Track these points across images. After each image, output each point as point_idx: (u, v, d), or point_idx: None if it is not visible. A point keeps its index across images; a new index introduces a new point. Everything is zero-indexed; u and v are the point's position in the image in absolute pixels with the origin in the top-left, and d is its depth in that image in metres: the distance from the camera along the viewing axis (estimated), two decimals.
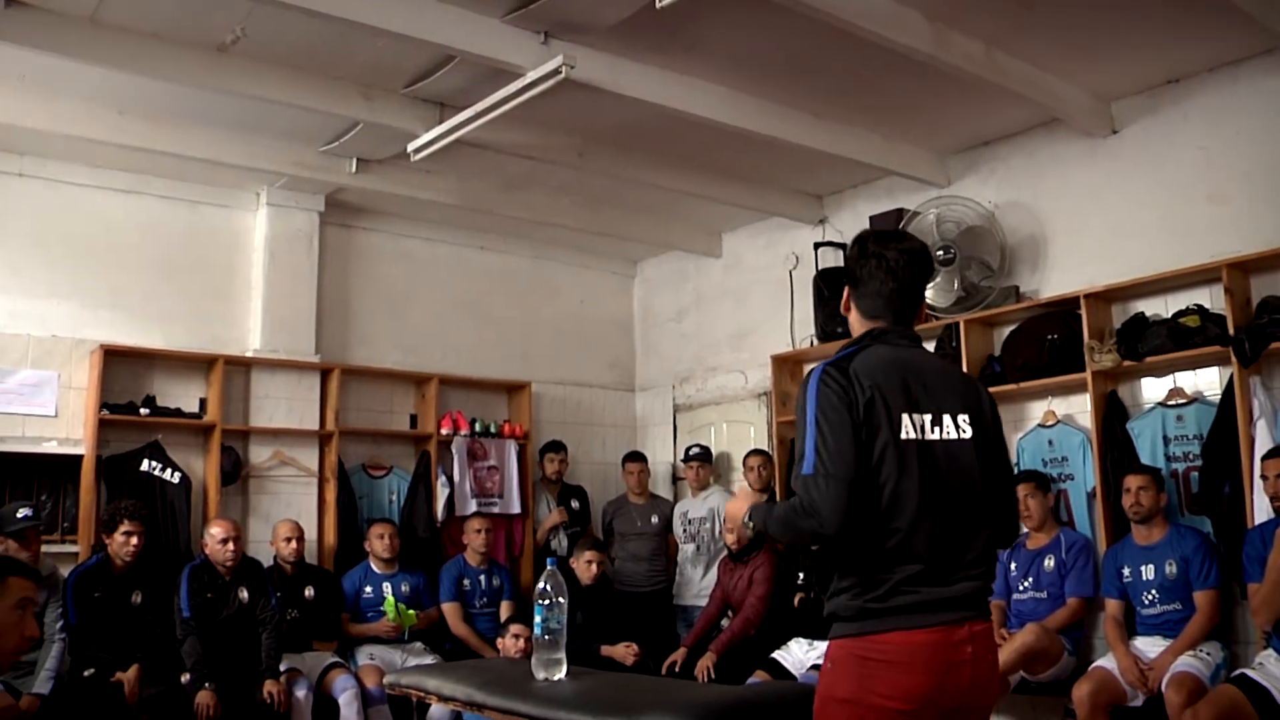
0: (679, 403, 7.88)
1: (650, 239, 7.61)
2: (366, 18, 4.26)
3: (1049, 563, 5.12)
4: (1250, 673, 4.05)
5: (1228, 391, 4.80)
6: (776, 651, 5.38)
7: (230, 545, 5.38)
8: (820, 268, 6.56)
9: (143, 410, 5.91)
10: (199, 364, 6.22)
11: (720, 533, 6.46)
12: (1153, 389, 5.27)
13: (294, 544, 5.83)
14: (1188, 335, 4.92)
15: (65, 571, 5.12)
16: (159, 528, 5.71)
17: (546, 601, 3.51)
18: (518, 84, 4.72)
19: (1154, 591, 4.70)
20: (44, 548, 5.11)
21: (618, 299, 8.35)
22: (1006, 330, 5.76)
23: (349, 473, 6.61)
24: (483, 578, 6.35)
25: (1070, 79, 5.25)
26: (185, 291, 6.33)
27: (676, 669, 5.81)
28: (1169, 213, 5.26)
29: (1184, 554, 4.66)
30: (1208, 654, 4.49)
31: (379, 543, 6.09)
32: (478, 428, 7.08)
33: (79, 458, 5.68)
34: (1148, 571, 4.73)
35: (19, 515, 4.78)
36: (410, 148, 5.54)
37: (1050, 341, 5.40)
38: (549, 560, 3.71)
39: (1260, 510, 4.51)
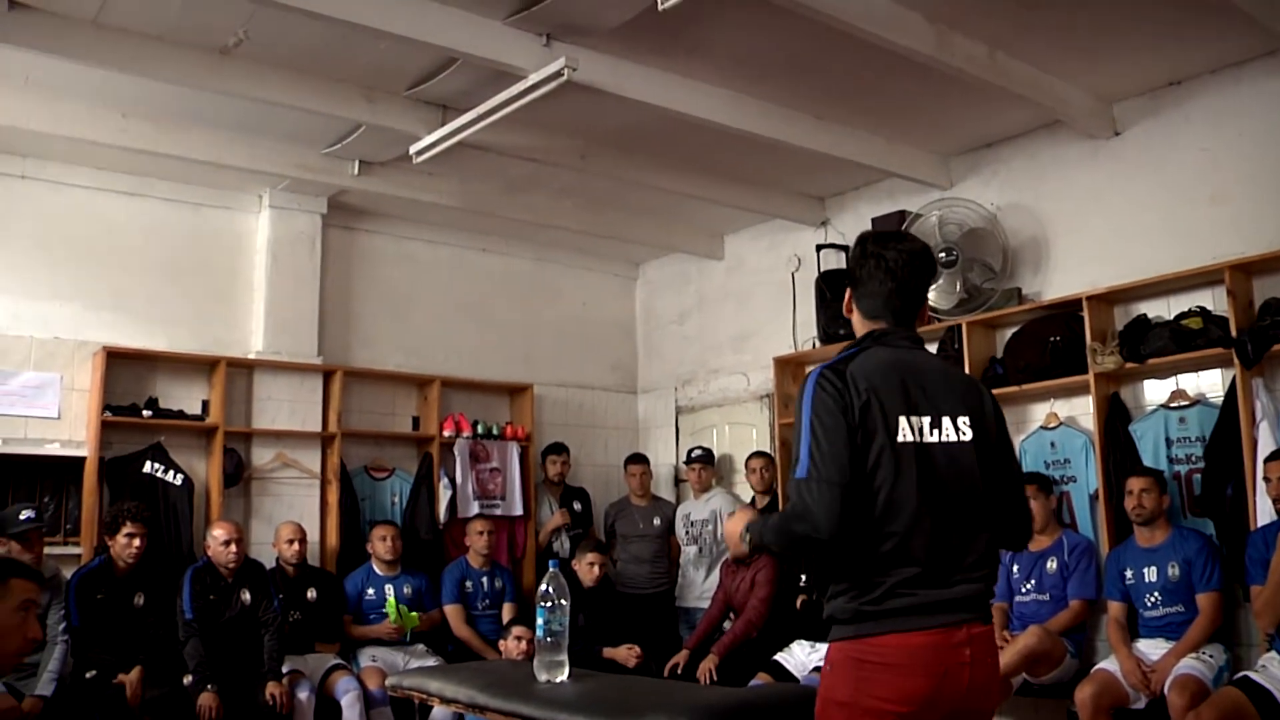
0: (681, 405, 7.88)
1: (652, 241, 7.62)
2: (369, 20, 4.26)
3: (1051, 565, 5.11)
4: (1253, 675, 4.05)
5: (1230, 393, 4.80)
6: (779, 654, 5.38)
7: (232, 547, 5.38)
8: (822, 270, 6.56)
9: (145, 412, 5.91)
10: (201, 366, 6.22)
11: (722, 535, 6.46)
12: (1155, 391, 5.27)
13: (296, 546, 5.83)
14: (1190, 337, 4.92)
15: (68, 573, 5.13)
16: (161, 530, 5.71)
17: (549, 604, 3.51)
18: (520, 86, 4.72)
19: (1156, 594, 4.70)
20: (47, 549, 5.12)
21: (620, 301, 8.35)
22: (1009, 332, 5.76)
23: (351, 475, 6.62)
24: (485, 580, 6.35)
25: (1072, 81, 5.25)
26: (188, 293, 6.33)
27: (679, 671, 5.81)
28: (1171, 214, 5.25)
29: (1186, 556, 4.66)
30: (1210, 656, 4.48)
31: (381, 545, 6.09)
32: (480, 430, 7.08)
33: (81, 460, 5.69)
34: (1150, 574, 4.73)
35: (22, 517, 4.79)
36: (412, 150, 5.54)
37: (1052, 343, 5.40)
38: (551, 562, 3.70)
39: (1263, 512, 4.50)
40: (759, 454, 6.68)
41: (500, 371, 7.47)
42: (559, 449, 7.24)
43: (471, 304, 7.51)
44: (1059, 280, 5.68)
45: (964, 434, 2.35)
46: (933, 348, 5.73)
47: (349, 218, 6.94)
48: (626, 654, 5.76)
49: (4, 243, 5.80)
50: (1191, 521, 4.95)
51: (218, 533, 5.44)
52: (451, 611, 6.16)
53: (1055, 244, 5.74)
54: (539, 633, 3.52)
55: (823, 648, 2.36)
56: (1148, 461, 5.03)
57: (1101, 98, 5.45)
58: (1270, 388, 4.73)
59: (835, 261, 6.51)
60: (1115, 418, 5.21)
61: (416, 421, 7.05)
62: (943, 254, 5.68)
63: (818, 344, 6.58)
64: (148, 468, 5.85)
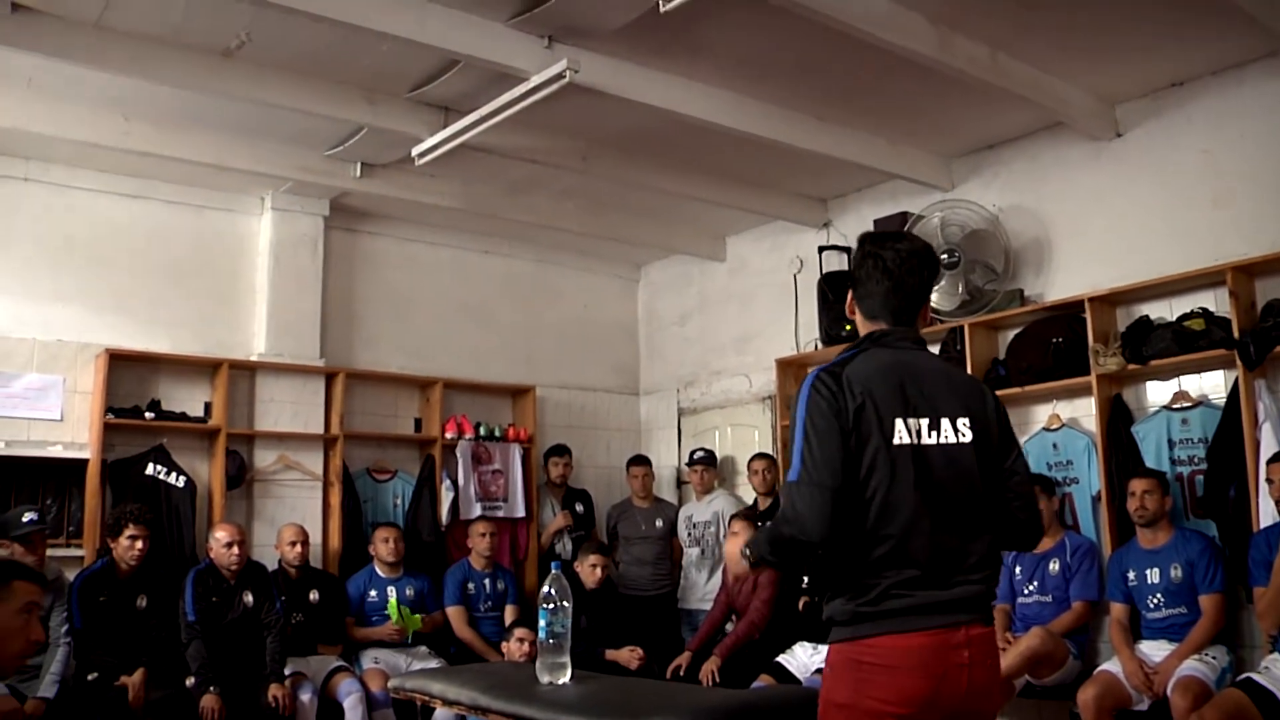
0: (683, 406, 7.88)
1: (654, 242, 7.62)
2: (371, 22, 4.27)
3: (1054, 566, 5.11)
4: (1256, 676, 4.04)
5: (1233, 395, 4.79)
6: (781, 655, 5.37)
7: (235, 549, 5.39)
8: (824, 271, 6.56)
9: (148, 414, 5.92)
10: (204, 368, 6.23)
11: (725, 537, 6.45)
12: (1157, 392, 5.26)
13: (299, 548, 5.83)
14: (1192, 338, 4.92)
15: (70, 575, 5.13)
16: (164, 532, 5.72)
17: (551, 605, 3.50)
18: (522, 88, 4.73)
19: (1159, 595, 4.70)
20: (49, 552, 5.13)
21: (622, 303, 8.35)
22: (1011, 334, 5.76)
23: (354, 476, 6.62)
24: (487, 582, 6.35)
25: (1074, 82, 5.25)
26: (190, 296, 6.34)
27: (681, 673, 5.81)
28: (1173, 216, 5.25)
29: (1189, 557, 4.66)
30: (1213, 658, 4.48)
31: (383, 546, 6.10)
32: (482, 431, 7.08)
33: (84, 462, 5.69)
34: (1153, 575, 4.73)
35: (24, 519, 4.80)
36: (415, 152, 5.54)
37: (1055, 345, 5.40)
38: (553, 564, 3.70)
39: (1265, 514, 4.50)
40: (761, 455, 6.68)
41: (502, 373, 7.48)
42: (561, 451, 7.24)
43: (473, 306, 7.51)
44: (1061, 281, 5.68)
45: (964, 435, 2.34)
46: (935, 349, 5.73)
47: (351, 220, 6.94)
48: (629, 656, 5.76)
49: (7, 245, 5.80)
50: (1194, 523, 4.95)
51: (220, 535, 5.45)
52: (454, 613, 6.17)
53: (1057, 245, 5.74)
54: (541, 635, 3.52)
55: (825, 649, 2.36)
56: (1150, 463, 5.03)
57: (1103, 99, 5.45)
58: (1273, 389, 4.73)
59: (837, 263, 6.51)
60: (1118, 419, 5.21)
61: (419, 423, 7.05)
62: (945, 255, 5.67)
63: (820, 345, 6.58)
64: (150, 470, 5.86)
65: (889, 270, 2.43)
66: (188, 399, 6.17)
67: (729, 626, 6.01)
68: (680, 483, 7.75)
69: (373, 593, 6.05)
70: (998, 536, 2.38)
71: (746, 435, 7.33)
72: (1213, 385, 5.07)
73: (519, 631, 5.63)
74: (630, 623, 6.12)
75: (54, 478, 5.67)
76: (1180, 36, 4.79)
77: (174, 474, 5.91)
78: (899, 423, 2.28)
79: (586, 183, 6.47)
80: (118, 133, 5.46)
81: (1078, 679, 4.79)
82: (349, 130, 5.71)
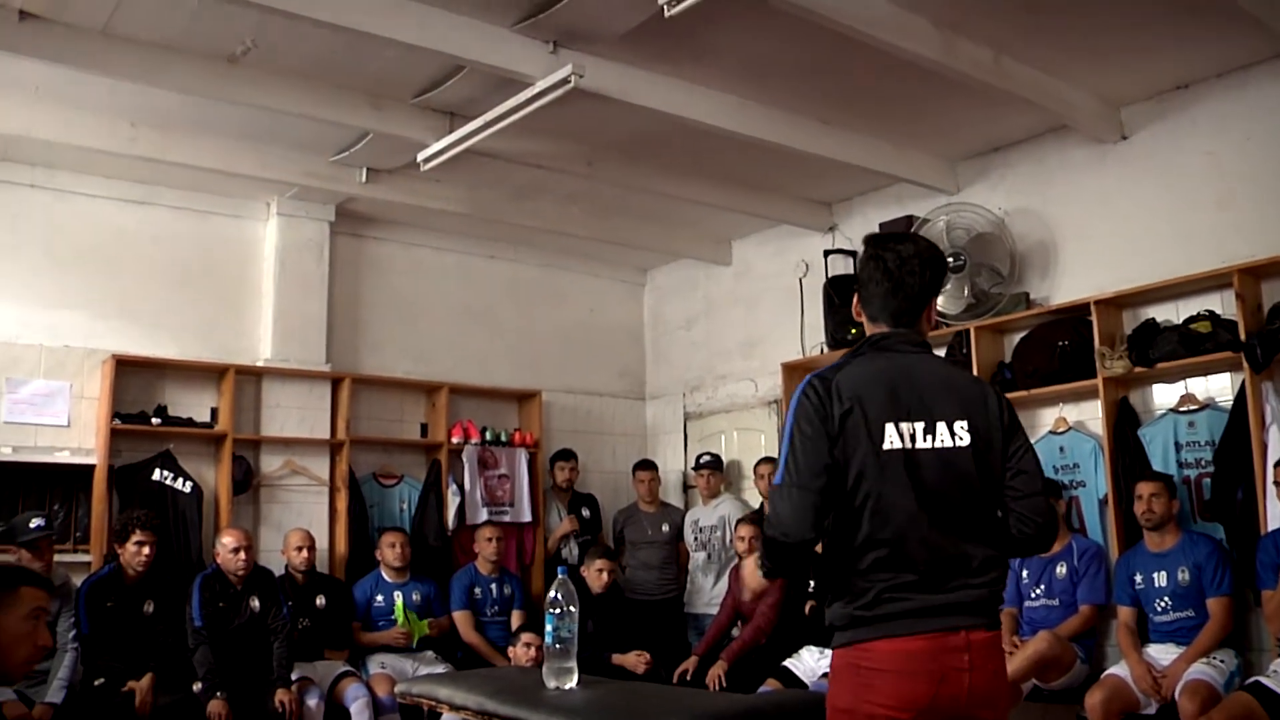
0: (689, 411, 7.88)
1: (660, 247, 7.62)
2: (376, 28, 4.28)
3: (1061, 570, 5.10)
4: (1265, 680, 4.03)
5: (1240, 397, 4.78)
6: (788, 659, 5.36)
7: (242, 554, 5.39)
8: (830, 275, 6.55)
9: (154, 420, 5.93)
10: (210, 374, 6.24)
11: (731, 541, 6.45)
12: (1164, 395, 5.25)
13: (305, 553, 5.83)
14: (1199, 341, 4.91)
15: (78, 581, 5.14)
16: (171, 537, 5.72)
17: (557, 610, 3.50)
18: (527, 93, 4.74)
19: (1167, 598, 4.68)
20: (56, 557, 5.13)
21: (628, 307, 8.35)
22: (1017, 337, 5.75)
23: (360, 482, 6.62)
24: (494, 586, 6.35)
25: (1079, 85, 5.25)
26: (196, 301, 6.35)
27: (688, 677, 5.80)
28: (1179, 218, 5.24)
29: (1197, 561, 4.64)
30: (1221, 661, 4.46)
31: (390, 551, 6.10)
32: (488, 436, 7.09)
33: (91, 467, 5.70)
34: (1160, 578, 4.71)
35: (32, 525, 4.80)
36: (420, 157, 5.55)
37: (1061, 348, 5.39)
38: (560, 569, 3.70)
39: (1274, 516, 4.48)
40: (767, 460, 6.66)
41: (508, 378, 7.48)
42: (567, 455, 7.24)
43: (479, 310, 7.52)
44: (1067, 284, 5.67)
45: (961, 439, 2.32)
46: (941, 353, 5.72)
47: (357, 225, 6.95)
48: (635, 660, 5.76)
49: (14, 251, 5.82)
50: (1201, 526, 4.94)
51: (227, 540, 5.46)
52: (460, 618, 6.17)
53: (1063, 248, 5.74)
54: (548, 639, 3.52)
55: (831, 654, 2.36)
56: (1157, 466, 5.02)
57: (1108, 101, 5.45)
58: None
59: (843, 267, 6.51)
60: (1124, 422, 5.20)
61: (425, 428, 7.06)
62: (950, 259, 5.66)
63: (826, 349, 6.58)
64: (157, 475, 5.87)
65: (889, 272, 2.42)
66: (194, 404, 6.18)
67: (735, 631, 6.01)
68: (686, 487, 7.74)
69: (379, 598, 6.06)
70: (1002, 540, 2.36)
71: (752, 439, 7.33)
72: (1219, 388, 5.06)
73: (525, 636, 5.63)
74: (637, 627, 6.11)
75: (61, 483, 5.68)
76: (1184, 39, 4.78)
77: (181, 479, 5.92)
78: (889, 427, 2.28)
79: (592, 187, 6.48)
80: (124, 139, 5.47)
81: (1085, 683, 4.78)
82: (354, 136, 5.73)
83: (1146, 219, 5.37)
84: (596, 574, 5.96)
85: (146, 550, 5.16)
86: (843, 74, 5.05)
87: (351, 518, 6.43)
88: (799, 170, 6.20)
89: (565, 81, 4.53)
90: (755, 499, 6.85)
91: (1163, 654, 4.64)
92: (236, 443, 6.13)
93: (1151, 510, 4.72)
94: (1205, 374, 5.09)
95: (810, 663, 5.28)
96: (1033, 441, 5.54)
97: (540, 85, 4.64)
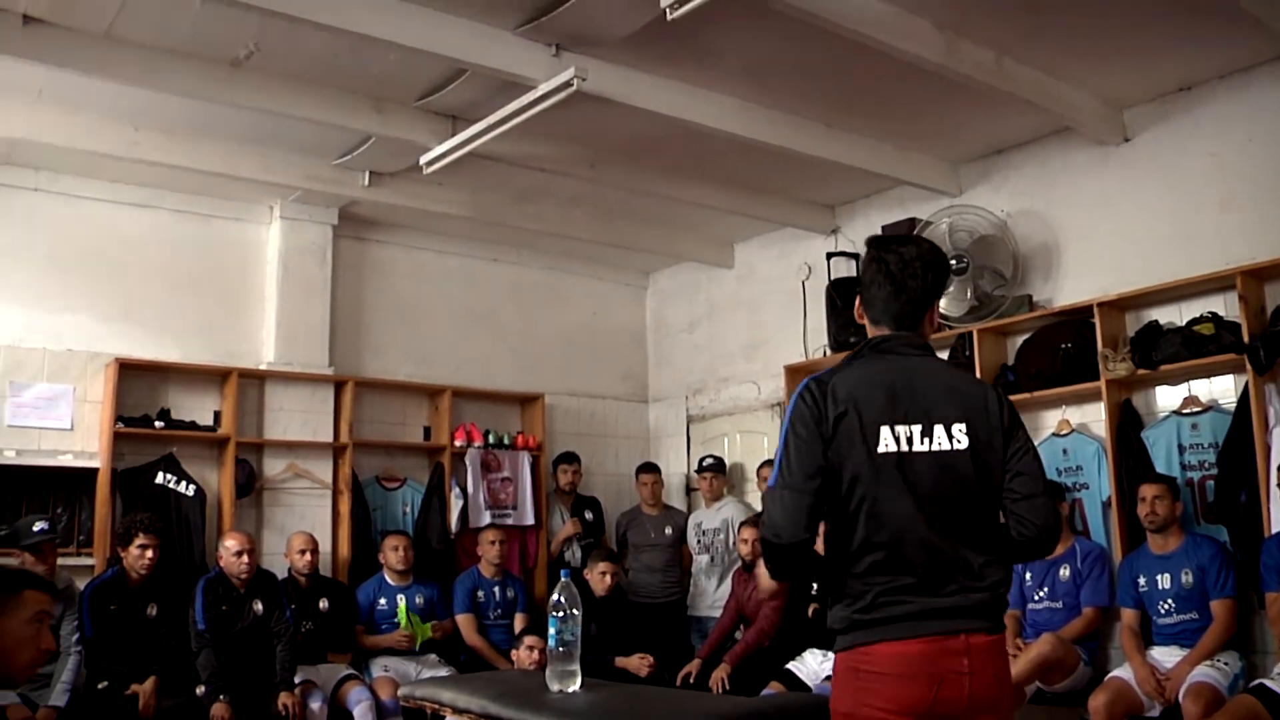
0: (692, 414, 7.88)
1: (662, 250, 7.62)
2: (379, 32, 4.28)
3: (1064, 572, 5.09)
4: (1269, 683, 4.02)
5: (1243, 399, 4.77)
6: (791, 662, 5.36)
7: (245, 558, 5.40)
8: (833, 278, 6.55)
9: (157, 423, 5.94)
10: (213, 377, 6.25)
11: (734, 544, 6.45)
12: (1167, 397, 5.25)
13: (308, 556, 5.83)
14: (1202, 343, 4.90)
15: (81, 584, 5.15)
16: (174, 541, 5.73)
17: (560, 613, 3.51)
18: (529, 96, 4.74)
19: (1170, 601, 4.68)
20: (60, 561, 5.14)
21: (630, 310, 8.35)
22: (1020, 339, 5.74)
23: (363, 485, 6.63)
24: (497, 589, 6.35)
25: (1082, 86, 5.25)
26: (199, 305, 6.36)
27: (691, 680, 5.80)
28: (1182, 220, 5.24)
29: (1200, 563, 4.63)
30: (1225, 664, 4.45)
31: (393, 554, 6.10)
32: (491, 439, 7.09)
33: (94, 471, 5.71)
34: (1164, 581, 4.71)
35: (35, 529, 4.81)
36: (423, 160, 5.56)
37: (1064, 350, 5.38)
38: (563, 572, 3.71)
39: (1277, 519, 4.48)
40: (770, 462, 6.65)
41: (511, 381, 7.48)
42: (570, 458, 7.24)
43: (482, 314, 7.53)
44: (1070, 287, 5.66)
45: (958, 441, 2.31)
46: (944, 355, 5.72)
47: (360, 228, 6.96)
48: (639, 663, 5.76)
49: (17, 255, 5.83)
50: (1205, 528, 4.93)
51: (230, 543, 5.46)
52: (463, 621, 6.17)
53: (1066, 250, 5.73)
54: (551, 642, 3.52)
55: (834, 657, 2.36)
56: (1160, 468, 5.01)
57: (1111, 103, 5.44)
58: None
59: (846, 269, 6.50)
60: (1127, 424, 5.19)
61: (428, 431, 7.06)
62: (953, 261, 5.66)
63: (829, 352, 6.58)
64: (160, 479, 5.87)
65: (891, 274, 2.41)
66: (197, 408, 6.19)
67: (739, 634, 6.01)
68: (689, 490, 7.74)
69: (382, 601, 6.06)
70: (1004, 544, 2.35)
71: (755, 442, 7.33)
72: (1223, 390, 5.05)
73: (529, 639, 5.63)
74: (640, 630, 6.11)
75: (64, 487, 5.69)
76: (1187, 40, 4.78)
77: (184, 483, 5.92)
78: (885, 430, 2.27)
79: (594, 190, 6.48)
80: (127, 143, 5.48)
81: (1089, 685, 4.77)
82: (357, 139, 5.73)
83: (1149, 221, 5.37)
84: (599, 577, 5.96)
85: (150, 554, 5.17)
86: (845, 76, 5.06)
87: (354, 521, 6.43)
88: (801, 173, 6.20)
89: (568, 84, 4.53)
90: (758, 502, 6.85)
91: (1166, 656, 4.63)
92: (239, 446, 6.13)
93: (1155, 512, 4.71)
94: (1208, 376, 5.08)
95: (813, 666, 5.27)
96: (1036, 444, 5.58)
97: (543, 88, 4.64)
